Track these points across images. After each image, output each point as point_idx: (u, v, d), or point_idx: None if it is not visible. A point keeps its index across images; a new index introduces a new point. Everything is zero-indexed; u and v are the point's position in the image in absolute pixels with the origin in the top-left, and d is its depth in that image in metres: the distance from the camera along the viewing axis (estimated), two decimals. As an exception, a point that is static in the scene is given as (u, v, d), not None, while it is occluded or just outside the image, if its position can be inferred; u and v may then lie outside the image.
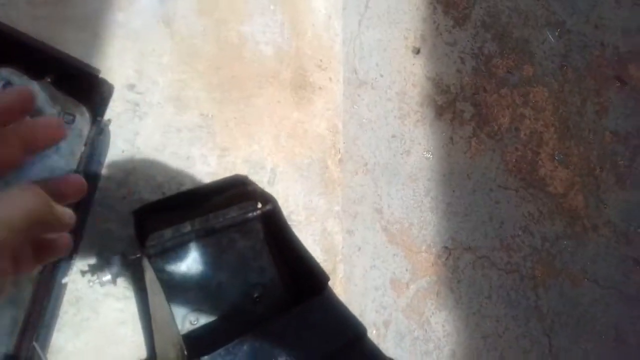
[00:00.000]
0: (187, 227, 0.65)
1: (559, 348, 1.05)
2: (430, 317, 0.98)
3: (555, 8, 1.43)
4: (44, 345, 0.62)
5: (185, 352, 0.54)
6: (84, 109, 0.80)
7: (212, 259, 0.61)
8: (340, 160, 0.94)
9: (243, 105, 1.00)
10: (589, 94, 1.36)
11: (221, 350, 0.54)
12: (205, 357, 0.53)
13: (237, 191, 0.64)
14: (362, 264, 0.97)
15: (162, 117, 0.90)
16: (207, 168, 0.84)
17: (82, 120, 0.78)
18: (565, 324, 1.07)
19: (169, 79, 0.94)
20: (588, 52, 1.41)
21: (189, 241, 0.63)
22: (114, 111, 0.86)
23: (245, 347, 0.54)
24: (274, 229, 0.66)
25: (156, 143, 0.88)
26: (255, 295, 0.62)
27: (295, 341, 0.58)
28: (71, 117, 0.76)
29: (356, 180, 1.05)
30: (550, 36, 1.40)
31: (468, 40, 1.29)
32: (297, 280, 0.67)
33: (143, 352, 0.71)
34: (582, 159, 1.26)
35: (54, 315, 0.65)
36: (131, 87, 0.92)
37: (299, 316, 0.60)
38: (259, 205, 0.67)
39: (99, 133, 0.79)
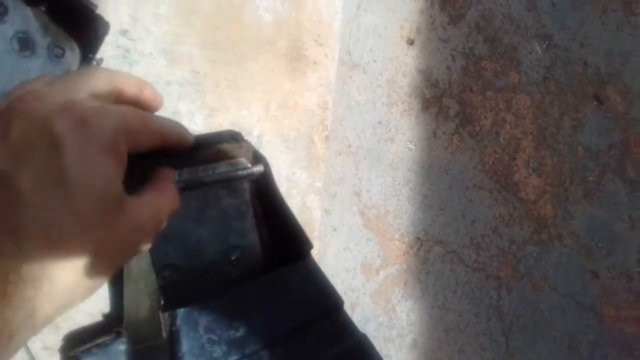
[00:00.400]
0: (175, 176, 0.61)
1: (515, 349, 1.06)
2: (397, 304, 0.98)
3: (545, 21, 1.46)
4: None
5: (162, 302, 0.52)
6: (74, 44, 0.76)
7: (196, 213, 0.58)
8: (326, 138, 0.93)
9: (236, 68, 0.98)
10: (568, 108, 1.39)
11: (197, 306, 0.51)
12: (181, 310, 0.50)
13: (229, 147, 0.60)
14: (336, 245, 0.96)
15: (152, 67, 0.87)
16: (193, 126, 0.82)
17: (73, 56, 0.74)
18: (523, 326, 1.09)
19: (164, 31, 0.91)
20: (571, 68, 1.45)
21: None
22: (104, 54, 0.82)
23: (220, 306, 0.52)
24: (262, 191, 0.63)
25: (143, 93, 0.85)
26: (233, 257, 0.60)
27: (273, 305, 0.56)
28: (61, 52, 0.72)
29: (338, 161, 1.04)
30: (537, 47, 1.42)
31: (461, 39, 1.30)
32: (279, 247, 0.64)
33: (107, 305, 0.68)
34: (554, 170, 1.28)
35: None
36: (124, 32, 0.88)
37: (278, 279, 0.58)
38: (249, 165, 0.63)
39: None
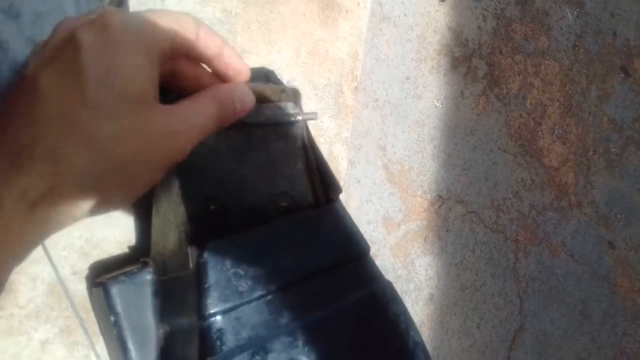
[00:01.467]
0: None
1: (528, 311, 1.07)
2: (415, 259, 0.98)
3: (578, -12, 1.42)
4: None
5: (188, 233, 0.51)
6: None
7: (239, 152, 0.56)
8: (355, 88, 0.91)
9: (268, 11, 0.95)
10: (595, 78, 1.37)
11: (226, 240, 0.50)
12: (210, 242, 0.49)
13: (272, 89, 0.58)
14: (359, 196, 0.96)
15: (184, 3, 0.85)
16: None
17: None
18: (538, 290, 1.10)
19: (197, -34, 0.89)
20: (601, 37, 1.42)
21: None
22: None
23: (249, 241, 0.51)
24: (309, 139, 0.61)
25: (175, 29, 0.83)
26: (283, 204, 0.58)
27: (302, 244, 0.55)
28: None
29: (365, 114, 1.03)
30: (569, 14, 1.39)
31: (492, 0, 1.27)
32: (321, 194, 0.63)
33: (134, 236, 0.68)
34: (578, 139, 1.27)
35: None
36: (158, -35, 0.86)
37: (309, 220, 0.57)
38: (299, 111, 0.61)
39: (117, 2, 0.74)
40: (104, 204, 0.30)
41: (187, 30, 0.33)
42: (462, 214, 1.06)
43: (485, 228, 1.07)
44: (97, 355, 0.63)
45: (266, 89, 0.58)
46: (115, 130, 0.28)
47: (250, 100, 0.42)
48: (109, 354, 0.63)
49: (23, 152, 0.25)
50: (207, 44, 0.36)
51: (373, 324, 0.58)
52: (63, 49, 0.27)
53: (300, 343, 0.50)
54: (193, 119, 0.35)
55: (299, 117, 0.58)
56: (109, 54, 0.28)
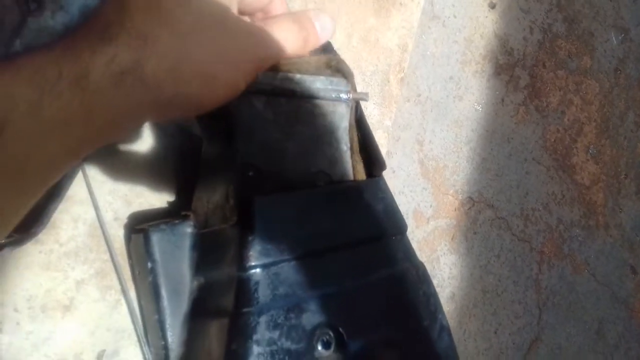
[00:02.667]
0: (267, 78, 0.59)
1: (546, 323, 1.07)
2: (441, 256, 0.98)
3: (624, 14, 1.43)
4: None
5: (234, 186, 0.51)
6: None
7: (285, 123, 0.56)
8: (402, 79, 0.92)
9: (326, -7, 0.97)
10: (634, 104, 1.37)
11: (271, 198, 0.50)
12: (258, 197, 0.50)
13: (328, 60, 0.58)
14: (393, 186, 0.96)
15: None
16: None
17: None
18: (557, 304, 1.09)
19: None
20: (643, 65, 1.42)
21: (262, 92, 0.59)
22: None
23: (293, 202, 0.51)
24: (360, 117, 0.61)
25: None
26: (319, 184, 0.57)
27: (343, 212, 0.55)
28: None
29: (406, 107, 1.04)
30: (613, 38, 1.40)
31: (541, 14, 1.27)
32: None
33: (174, 192, 0.69)
34: (612, 160, 1.27)
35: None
36: None
37: (353, 189, 0.57)
38: (350, 89, 0.60)
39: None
40: (182, 102, 0.30)
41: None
42: (491, 218, 1.06)
43: (512, 235, 1.07)
44: (129, 302, 0.64)
45: (321, 60, 0.56)
46: (197, 18, 0.29)
47: (330, 27, 0.42)
48: (139, 301, 0.64)
49: (111, 28, 0.26)
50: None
51: (404, 301, 0.58)
52: None
53: (333, 308, 0.50)
54: (274, 29, 0.36)
55: (350, 96, 0.56)
56: None
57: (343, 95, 0.57)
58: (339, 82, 0.59)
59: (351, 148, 0.58)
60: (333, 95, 0.56)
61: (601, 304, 1.15)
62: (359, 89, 0.66)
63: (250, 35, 0.33)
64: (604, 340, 1.14)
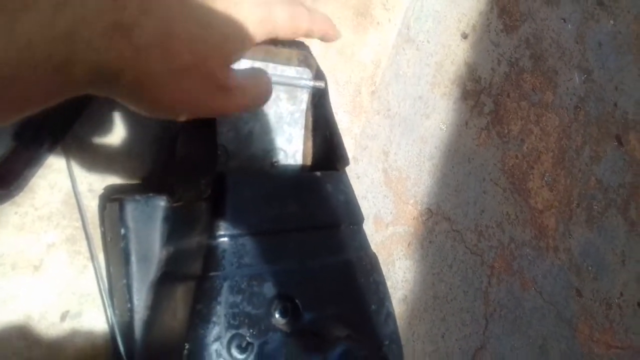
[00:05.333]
0: (245, 65, 0.68)
1: (492, 333, 1.12)
2: (397, 260, 1.04)
3: (589, 56, 1.53)
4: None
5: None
6: None
7: None
8: (372, 93, 0.99)
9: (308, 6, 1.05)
10: (590, 140, 1.46)
11: (242, 177, 0.58)
12: (229, 176, 0.57)
13: (298, 54, 0.68)
14: (357, 191, 1.02)
15: None
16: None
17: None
18: (504, 316, 1.15)
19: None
20: (602, 105, 1.52)
21: None
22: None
23: (260, 184, 0.58)
24: (317, 105, 0.70)
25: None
26: (274, 160, 0.66)
27: (305, 198, 0.63)
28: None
29: (376, 120, 1.11)
30: (577, 77, 1.50)
31: (510, 48, 1.37)
32: (321, 158, 0.71)
33: (148, 171, 0.74)
34: (565, 190, 1.35)
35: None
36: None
37: (315, 179, 0.65)
38: (312, 78, 0.70)
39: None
40: (146, 100, 0.31)
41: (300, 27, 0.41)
42: (446, 230, 1.12)
43: (465, 248, 1.13)
44: (96, 267, 0.68)
45: (292, 52, 0.66)
46: (193, 61, 0.30)
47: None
48: (108, 268, 0.68)
49: (119, 28, 0.25)
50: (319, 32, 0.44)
51: (356, 284, 0.64)
52: None
53: (292, 282, 0.56)
54: (252, 86, 0.41)
55: (310, 84, 0.65)
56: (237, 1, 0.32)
57: (305, 83, 0.66)
58: (303, 72, 0.68)
59: (305, 127, 0.66)
60: (297, 83, 0.65)
61: (546, 321, 1.22)
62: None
63: (224, 84, 0.35)
64: (547, 356, 1.20)
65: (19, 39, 0.21)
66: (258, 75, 0.42)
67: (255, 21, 0.35)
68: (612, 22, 1.59)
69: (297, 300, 0.57)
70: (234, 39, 0.33)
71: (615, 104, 1.57)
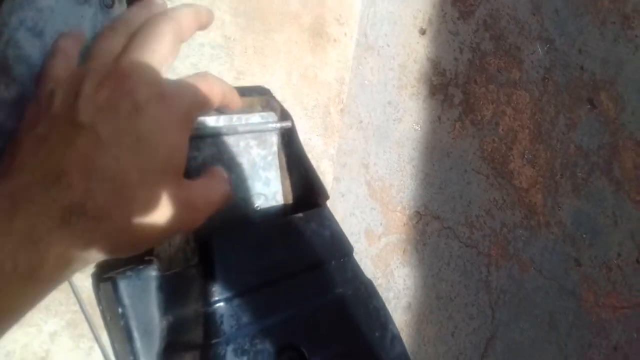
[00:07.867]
0: (212, 122, 0.69)
1: (500, 321, 1.14)
2: (395, 269, 1.05)
3: (547, 26, 1.54)
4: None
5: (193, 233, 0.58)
6: (124, -4, 0.82)
7: (228, 158, 0.66)
8: (341, 110, 0.99)
9: (263, 37, 1.04)
10: (563, 108, 1.48)
11: (229, 236, 0.58)
12: (216, 238, 0.57)
13: (260, 100, 0.68)
14: (343, 210, 1.03)
15: (187, 29, 0.93)
16: (222, 86, 0.89)
17: (120, 8, 0.80)
18: (509, 302, 1.17)
19: (199, -3, 0.98)
20: (569, 71, 1.53)
21: (210, 135, 0.67)
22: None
23: (246, 239, 0.59)
24: (287, 144, 0.70)
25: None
26: (257, 204, 0.67)
27: (290, 243, 0.63)
28: (111, 2, 0.79)
29: (350, 134, 1.12)
30: (539, 49, 1.51)
31: (469, 34, 1.38)
32: (300, 197, 0.72)
33: None
34: (547, 163, 1.37)
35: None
36: (164, -7, 0.95)
37: (296, 222, 0.65)
38: (278, 119, 0.71)
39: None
40: (115, 254, 0.31)
41: (214, 96, 0.39)
42: (438, 229, 1.13)
43: (459, 243, 1.15)
44: (102, 347, 0.69)
45: (256, 98, 0.67)
46: (154, 198, 0.30)
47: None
48: (113, 345, 0.69)
49: (74, 209, 0.25)
50: (227, 102, 0.44)
51: (356, 316, 0.65)
52: (123, 108, 0.29)
53: (294, 330, 0.56)
54: (210, 196, 0.40)
55: (277, 125, 0.66)
56: (164, 124, 0.31)
57: (271, 126, 0.66)
58: (268, 116, 0.68)
59: (280, 167, 0.67)
60: (264, 127, 0.65)
61: (550, 297, 1.23)
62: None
63: (191, 208, 0.35)
64: (557, 331, 1.22)
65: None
66: (210, 182, 0.42)
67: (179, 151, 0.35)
68: (564, -13, 1.61)
69: (302, 348, 0.58)
70: (178, 160, 0.33)
71: (582, 67, 1.58)
